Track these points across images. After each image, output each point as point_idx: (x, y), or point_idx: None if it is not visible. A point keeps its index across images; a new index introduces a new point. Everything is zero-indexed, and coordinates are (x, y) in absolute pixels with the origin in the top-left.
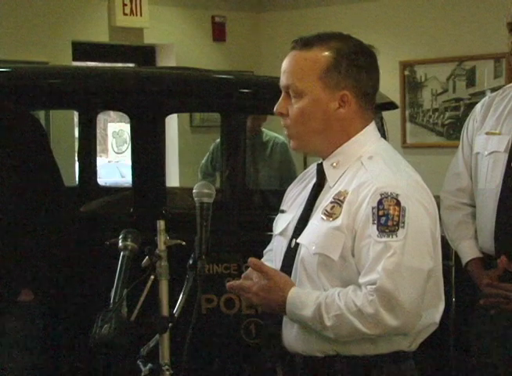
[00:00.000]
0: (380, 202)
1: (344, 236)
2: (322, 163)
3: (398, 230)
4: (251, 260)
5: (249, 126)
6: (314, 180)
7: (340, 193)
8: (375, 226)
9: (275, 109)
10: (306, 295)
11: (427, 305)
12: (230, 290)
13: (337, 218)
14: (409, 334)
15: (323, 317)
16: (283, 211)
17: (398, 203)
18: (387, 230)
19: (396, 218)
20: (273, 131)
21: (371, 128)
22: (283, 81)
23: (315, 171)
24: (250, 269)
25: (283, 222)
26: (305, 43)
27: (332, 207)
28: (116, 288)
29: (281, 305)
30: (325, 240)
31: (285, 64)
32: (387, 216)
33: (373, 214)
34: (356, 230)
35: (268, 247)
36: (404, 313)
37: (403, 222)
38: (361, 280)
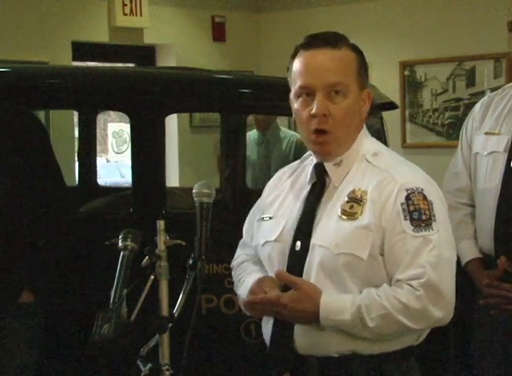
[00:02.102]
0: (408, 197)
1: (372, 235)
2: (320, 163)
3: (432, 224)
4: (279, 271)
5: (260, 121)
6: (302, 181)
7: (355, 191)
8: (408, 222)
9: (316, 111)
10: (340, 300)
11: None
12: (249, 306)
13: (359, 217)
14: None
15: (365, 319)
16: (270, 218)
17: (425, 197)
18: (422, 224)
19: (428, 212)
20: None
21: (365, 128)
22: (327, 79)
23: (299, 173)
24: (255, 282)
25: (275, 228)
26: (334, 41)
27: (351, 207)
28: (116, 288)
29: (314, 314)
30: (351, 239)
31: (322, 62)
32: (419, 211)
33: (404, 210)
34: (385, 227)
35: (238, 260)
36: (447, 304)
37: (434, 215)
38: (400, 276)
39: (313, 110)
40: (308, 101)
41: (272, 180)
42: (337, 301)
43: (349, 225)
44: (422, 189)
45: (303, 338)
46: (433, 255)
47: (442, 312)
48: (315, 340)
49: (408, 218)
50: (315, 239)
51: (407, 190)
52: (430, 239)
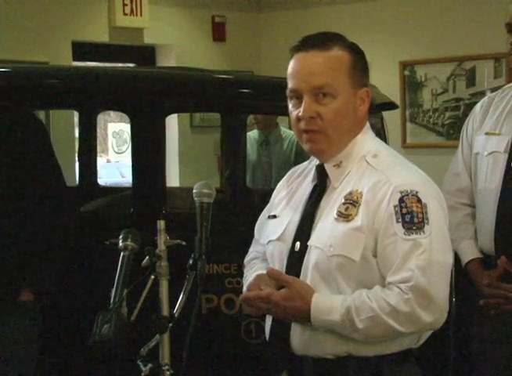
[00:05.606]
0: (401, 200)
1: (364, 237)
2: (321, 164)
3: (424, 227)
4: (270, 269)
5: (261, 120)
6: (307, 182)
7: (352, 193)
8: (400, 224)
9: (302, 114)
10: (331, 300)
11: None
12: (244, 302)
13: (353, 218)
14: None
15: (354, 320)
16: (274, 217)
17: (419, 200)
18: (414, 227)
19: (421, 215)
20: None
21: (368, 127)
22: (312, 82)
23: (306, 173)
24: (253, 278)
25: (278, 227)
26: (323, 43)
27: (346, 209)
28: (116, 288)
29: (305, 313)
30: (344, 241)
31: (308, 65)
32: (412, 214)
33: (396, 212)
34: (378, 230)
35: (250, 257)
36: (437, 309)
37: (427, 219)
38: (390, 279)
39: (300, 113)
40: (298, 103)
41: (284, 178)
42: (328, 302)
43: (343, 227)
44: (417, 192)
45: (298, 338)
46: (422, 259)
47: (432, 316)
48: (310, 341)
49: (400, 220)
50: (312, 240)
51: (401, 193)
52: (421, 242)
